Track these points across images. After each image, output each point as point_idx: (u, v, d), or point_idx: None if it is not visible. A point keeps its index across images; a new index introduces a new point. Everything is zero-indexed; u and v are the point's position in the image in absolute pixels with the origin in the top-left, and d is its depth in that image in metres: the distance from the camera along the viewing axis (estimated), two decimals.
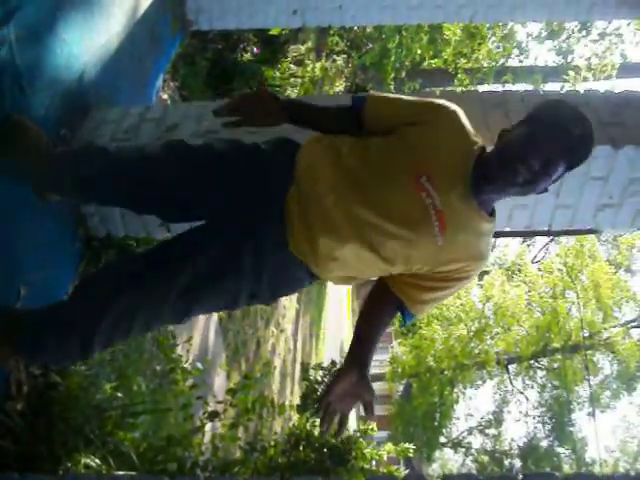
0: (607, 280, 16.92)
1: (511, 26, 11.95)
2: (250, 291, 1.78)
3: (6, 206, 2.07)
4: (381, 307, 1.81)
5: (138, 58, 3.38)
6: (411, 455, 4.75)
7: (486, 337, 17.56)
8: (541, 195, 2.41)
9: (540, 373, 20.96)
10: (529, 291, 17.71)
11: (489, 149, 1.73)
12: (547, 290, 17.76)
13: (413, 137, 1.71)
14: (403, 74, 9.90)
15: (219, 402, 3.00)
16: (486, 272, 19.44)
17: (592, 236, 15.81)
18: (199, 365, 3.02)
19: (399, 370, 18.29)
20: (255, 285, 1.76)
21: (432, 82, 12.17)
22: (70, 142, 2.42)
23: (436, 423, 18.65)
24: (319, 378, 7.00)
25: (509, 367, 20.19)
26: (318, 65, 7.66)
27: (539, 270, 19.18)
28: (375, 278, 1.87)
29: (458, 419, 23.23)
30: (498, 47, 12.29)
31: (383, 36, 8.70)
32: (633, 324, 19.30)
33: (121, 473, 2.07)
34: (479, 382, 21.70)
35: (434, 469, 24.47)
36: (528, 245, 23.34)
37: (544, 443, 21.76)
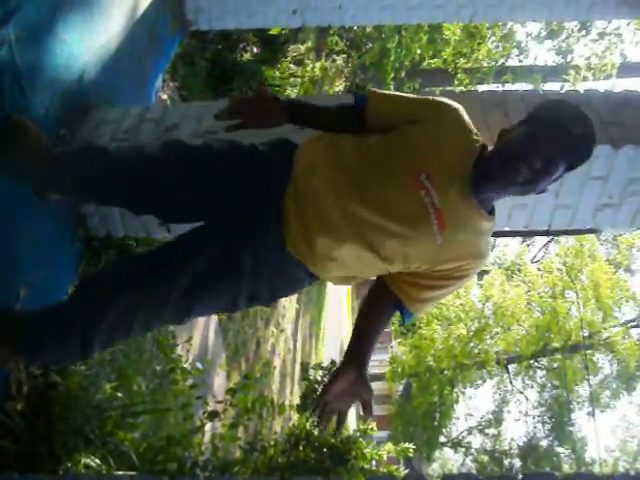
0: (607, 280, 16.92)
1: (511, 26, 11.97)
2: (249, 292, 1.78)
3: (6, 206, 2.07)
4: (380, 306, 1.80)
5: (137, 58, 3.38)
6: (411, 455, 4.75)
7: (486, 337, 17.56)
8: (541, 195, 2.41)
9: (540, 373, 20.96)
10: (529, 291, 17.72)
11: (490, 148, 1.72)
12: (547, 290, 17.76)
13: (414, 135, 1.70)
14: (403, 74, 9.90)
15: (219, 402, 3.00)
16: (486, 272, 19.44)
17: (592, 236, 15.80)
18: (199, 365, 3.03)
19: (399, 370, 18.29)
20: (254, 286, 1.76)
21: (432, 82, 12.18)
22: (70, 142, 2.42)
23: (436, 423, 18.65)
24: (319, 378, 6.99)
25: (509, 367, 20.19)
26: (318, 65, 7.67)
27: (539, 270, 19.18)
28: (374, 277, 1.87)
29: (458, 419, 23.26)
30: (498, 47, 12.30)
31: (383, 36, 8.69)
32: (633, 324, 19.31)
33: (121, 473, 2.07)
34: (479, 382, 21.70)
35: (434, 469, 24.48)
36: (528, 245, 23.35)
37: (544, 443, 21.77)
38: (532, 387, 21.69)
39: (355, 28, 9.02)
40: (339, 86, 8.86)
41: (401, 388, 21.65)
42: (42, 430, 2.00)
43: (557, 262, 18.42)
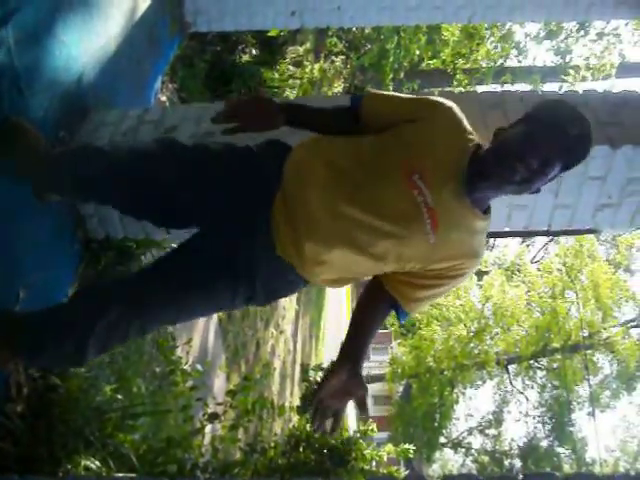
0: (606, 280, 16.92)
1: (509, 26, 11.95)
2: (246, 293, 1.79)
3: (5, 207, 2.07)
4: (375, 305, 1.80)
5: (136, 60, 3.38)
6: (411, 456, 4.74)
7: (486, 337, 17.56)
8: (540, 195, 2.42)
9: (540, 373, 20.97)
10: (528, 291, 17.71)
11: (485, 146, 1.72)
12: (546, 290, 17.76)
13: (409, 134, 1.70)
14: (402, 75, 9.89)
15: (219, 404, 3.00)
16: (486, 272, 19.46)
17: (591, 236, 15.81)
18: (199, 367, 3.03)
19: (399, 371, 18.29)
20: (251, 287, 1.77)
21: (431, 83, 12.17)
22: (69, 144, 2.42)
23: (436, 423, 18.65)
24: (319, 379, 6.99)
25: (509, 367, 20.19)
26: (317, 66, 7.66)
27: (538, 270, 19.18)
28: (369, 277, 1.87)
29: (458, 419, 23.28)
30: (496, 47, 12.28)
31: (381, 37, 8.69)
32: (632, 324, 19.32)
33: (121, 475, 2.07)
34: (479, 382, 21.71)
35: (434, 469, 24.47)
36: (527, 245, 23.38)
37: (544, 443, 21.78)
38: (532, 387, 21.70)
39: (354, 29, 9.03)
40: (338, 87, 8.86)
41: (401, 389, 21.66)
42: (42, 432, 2.00)
43: (557, 262, 18.43)
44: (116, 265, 2.72)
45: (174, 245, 2.01)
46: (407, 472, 4.22)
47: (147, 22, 3.49)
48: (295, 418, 5.04)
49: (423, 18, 4.86)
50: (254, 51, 5.60)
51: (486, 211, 1.75)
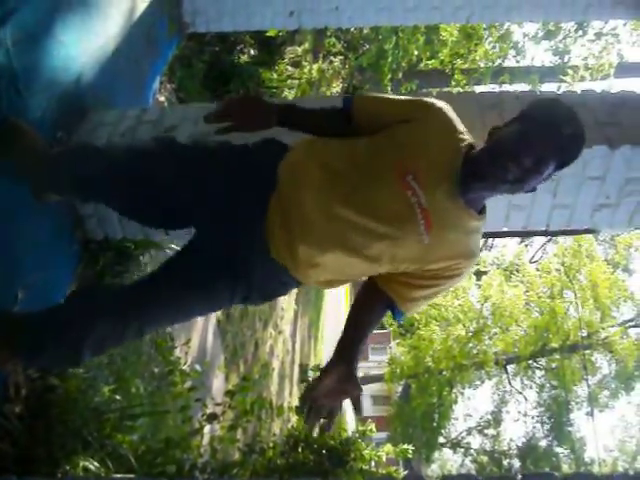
0: (605, 280, 16.95)
1: (508, 27, 11.96)
2: (242, 293, 1.80)
3: (3, 207, 2.07)
4: (371, 305, 1.80)
5: (135, 60, 3.38)
6: (410, 456, 4.75)
7: (484, 337, 17.57)
8: (538, 195, 2.43)
9: (538, 373, 21.00)
10: (527, 291, 17.73)
11: (479, 146, 1.71)
12: (545, 290, 17.77)
13: (402, 135, 1.70)
14: (400, 75, 9.89)
15: (217, 404, 3.00)
16: (484, 272, 19.48)
17: (590, 236, 15.83)
18: (197, 367, 3.03)
19: (398, 371, 18.28)
20: (247, 288, 1.78)
21: (429, 83, 12.17)
22: (67, 144, 2.42)
23: (435, 424, 18.65)
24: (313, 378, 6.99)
25: (507, 367, 20.21)
26: (315, 66, 7.66)
27: (537, 270, 19.20)
28: (364, 278, 1.87)
29: (457, 419, 23.31)
30: (495, 47, 12.28)
31: (380, 37, 8.69)
32: (631, 323, 19.34)
33: (119, 476, 2.07)
34: (478, 382, 21.73)
35: (433, 470, 24.48)
36: (526, 245, 23.40)
37: (543, 443, 21.81)
38: (531, 387, 21.73)
39: (352, 30, 9.02)
40: (336, 88, 8.86)
41: (400, 389, 21.66)
42: (40, 433, 2.00)
43: (555, 262, 18.45)
44: (115, 266, 2.72)
45: (174, 247, 2.01)
46: (406, 472, 4.22)
47: (145, 22, 3.49)
48: (294, 418, 5.04)
49: (421, 18, 4.86)
50: (252, 51, 5.60)
51: (481, 211, 1.74)
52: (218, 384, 4.60)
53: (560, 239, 18.32)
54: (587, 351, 17.61)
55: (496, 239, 20.99)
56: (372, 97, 1.87)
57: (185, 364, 3.02)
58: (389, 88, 9.39)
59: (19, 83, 2.15)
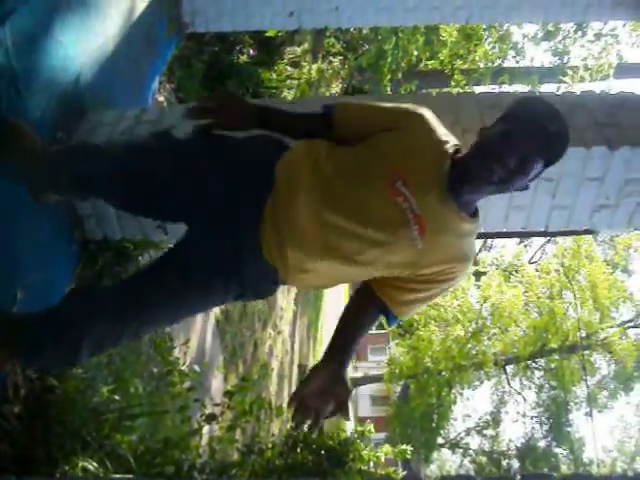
0: (604, 280, 16.95)
1: (507, 27, 11.97)
2: (236, 291, 1.80)
3: (2, 208, 2.07)
4: (364, 309, 1.80)
5: (134, 60, 3.38)
6: (409, 456, 4.75)
7: (483, 338, 17.57)
8: (537, 196, 2.43)
9: (537, 373, 21.00)
10: (526, 292, 17.73)
11: (465, 149, 1.72)
12: (544, 290, 17.78)
13: (386, 143, 1.70)
14: (399, 75, 9.89)
15: (216, 404, 3.00)
16: (483, 273, 19.48)
17: (589, 236, 15.84)
18: (196, 367, 3.03)
19: (397, 371, 18.28)
20: (241, 287, 1.78)
21: (428, 83, 12.17)
22: (66, 144, 2.42)
23: (434, 424, 18.65)
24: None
25: (506, 368, 20.21)
26: (314, 67, 7.66)
27: (536, 271, 19.20)
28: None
29: (456, 420, 23.31)
30: (494, 48, 12.29)
31: (379, 37, 8.69)
32: (630, 324, 19.34)
33: (118, 476, 2.07)
34: (477, 383, 21.72)
35: (432, 470, 24.48)
36: (525, 246, 23.41)
37: (542, 443, 21.81)
38: (530, 388, 21.73)
39: (352, 30, 9.02)
40: (336, 88, 8.86)
41: (399, 389, 21.65)
42: (39, 433, 2.00)
43: (554, 263, 18.45)
44: (113, 266, 2.71)
45: (170, 246, 2.00)
46: (405, 473, 4.22)
47: (145, 22, 3.49)
48: None
49: (421, 19, 4.86)
50: (252, 51, 5.60)
51: (474, 214, 1.74)
52: (217, 384, 4.60)
53: (559, 240, 18.33)
54: (586, 352, 17.61)
55: (495, 239, 21.01)
56: (354, 106, 1.87)
57: (184, 364, 3.01)
58: (388, 88, 9.39)
59: (19, 83, 2.15)
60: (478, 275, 19.34)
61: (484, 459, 23.37)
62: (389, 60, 8.90)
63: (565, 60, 13.20)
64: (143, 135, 2.00)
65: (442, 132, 1.74)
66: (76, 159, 1.99)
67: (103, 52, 2.90)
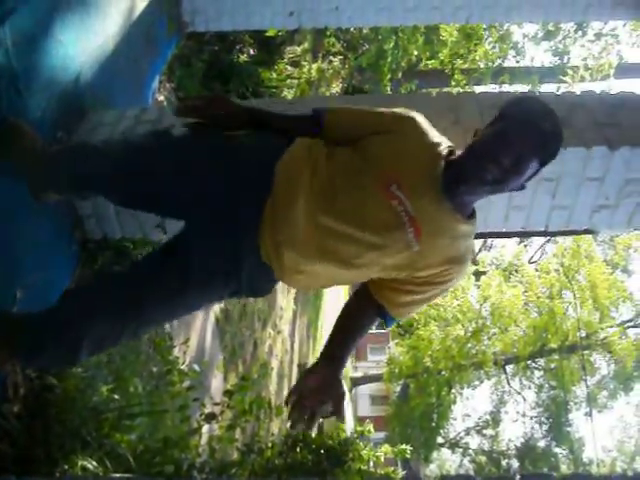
0: (604, 280, 16.96)
1: (507, 27, 11.97)
2: (233, 288, 1.81)
3: (2, 207, 2.07)
4: (362, 310, 1.80)
5: (134, 60, 3.37)
6: (408, 456, 4.75)
7: (483, 337, 17.58)
8: (537, 196, 2.43)
9: (537, 373, 21.02)
10: (526, 291, 17.74)
11: (459, 150, 1.72)
12: (544, 290, 17.79)
13: (378, 147, 1.71)
14: (400, 75, 9.89)
15: (216, 404, 3.00)
16: (483, 273, 19.48)
17: (589, 236, 15.83)
18: (196, 367, 3.02)
19: (396, 371, 18.31)
20: (237, 284, 1.79)
21: (429, 83, 12.18)
22: (66, 143, 2.42)
23: (433, 424, 18.67)
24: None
25: (506, 367, 20.22)
26: (314, 66, 7.66)
27: (536, 270, 19.21)
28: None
29: (455, 420, 23.33)
30: (494, 48, 12.29)
31: (379, 37, 8.68)
32: (630, 324, 19.35)
33: (118, 475, 2.06)
34: (476, 382, 21.73)
35: (432, 470, 24.47)
36: (525, 245, 23.40)
37: (541, 443, 21.83)
38: (529, 388, 21.75)
39: (352, 30, 9.02)
40: (336, 87, 8.86)
41: (398, 389, 21.66)
42: (39, 433, 2.00)
43: (554, 263, 18.46)
44: (113, 265, 2.71)
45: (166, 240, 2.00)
46: (404, 472, 4.22)
47: (145, 21, 3.48)
48: None
49: (421, 18, 4.86)
50: (252, 51, 5.60)
51: (471, 215, 1.74)
52: (217, 384, 4.60)
53: (559, 239, 18.33)
54: (586, 351, 17.63)
55: (495, 239, 21.00)
56: (344, 110, 1.87)
57: (184, 364, 3.01)
58: (389, 88, 9.39)
59: (19, 83, 2.15)
60: (478, 275, 19.34)
61: (484, 459, 23.39)
62: (389, 60, 8.90)
63: (565, 60, 13.19)
64: (143, 134, 2.00)
65: (434, 134, 1.75)
66: (76, 159, 1.99)
67: (103, 51, 2.90)
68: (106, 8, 2.96)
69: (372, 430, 4.47)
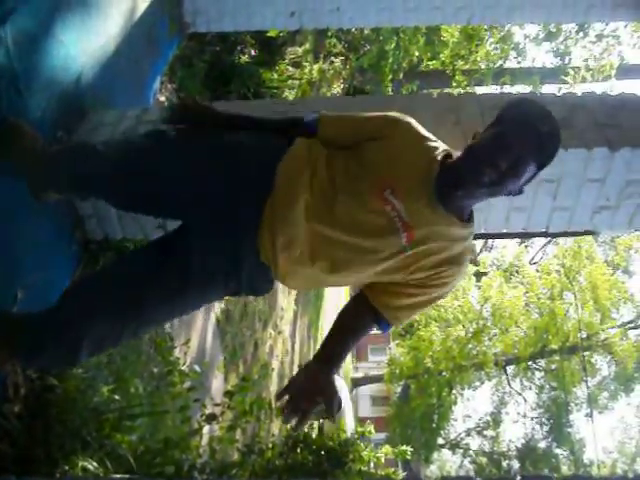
0: (605, 281, 16.96)
1: (509, 28, 11.96)
2: (232, 289, 1.81)
3: (3, 207, 2.07)
4: (361, 315, 1.80)
5: (135, 60, 3.37)
6: (409, 457, 4.76)
7: (484, 338, 17.58)
8: (538, 197, 2.42)
9: (538, 374, 21.01)
10: (527, 292, 17.74)
11: (456, 154, 1.72)
12: (545, 291, 17.78)
13: (372, 152, 1.71)
14: (401, 76, 9.89)
15: (217, 404, 3.00)
16: (484, 273, 19.48)
17: (590, 237, 15.83)
18: (196, 367, 3.03)
19: (397, 371, 18.31)
20: (237, 284, 1.80)
21: (430, 84, 12.17)
22: (66, 143, 2.42)
23: (434, 424, 18.67)
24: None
25: (507, 368, 20.22)
26: (316, 67, 7.65)
27: (537, 271, 19.21)
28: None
29: (456, 420, 23.32)
30: (496, 49, 12.28)
31: (381, 38, 8.68)
32: (631, 325, 19.35)
33: (118, 476, 2.07)
34: (477, 383, 21.74)
35: (432, 471, 24.47)
36: (526, 246, 23.39)
37: (542, 444, 21.82)
38: (530, 389, 21.74)
39: (353, 30, 9.02)
40: (337, 88, 8.86)
41: (399, 390, 21.67)
42: (39, 433, 2.00)
43: (555, 264, 18.46)
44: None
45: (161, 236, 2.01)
46: (405, 473, 4.23)
47: (146, 22, 3.48)
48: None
49: (422, 19, 4.86)
50: (253, 52, 5.60)
51: (469, 218, 1.74)
52: (217, 384, 4.60)
53: (560, 240, 18.34)
54: (587, 352, 17.63)
55: (496, 240, 21.00)
56: (338, 117, 1.87)
57: (184, 364, 3.01)
58: (390, 89, 9.39)
59: (19, 83, 2.15)
60: (479, 276, 19.34)
61: (484, 460, 23.37)
62: (390, 60, 8.90)
63: (566, 61, 13.20)
64: (143, 134, 2.00)
65: (429, 138, 1.75)
66: (76, 159, 1.99)
67: (104, 52, 2.90)
68: (107, 9, 2.96)
69: (373, 431, 4.48)
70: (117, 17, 3.09)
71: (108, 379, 2.58)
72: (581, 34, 12.85)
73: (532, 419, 22.14)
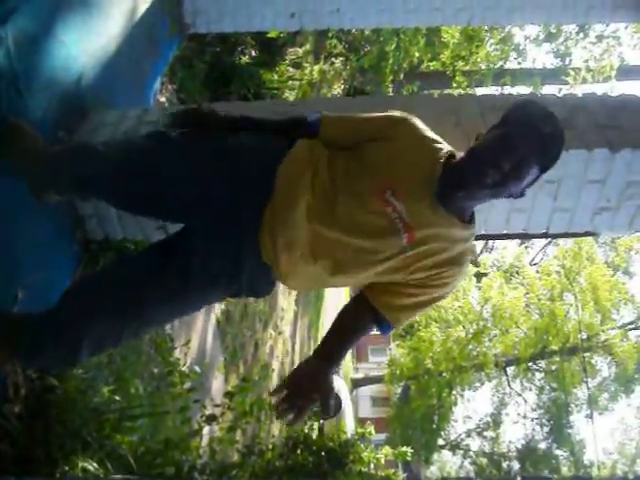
0: (605, 282, 16.96)
1: (509, 29, 11.96)
2: (233, 290, 1.82)
3: (3, 207, 2.07)
4: (361, 316, 1.80)
5: (136, 60, 3.37)
6: (409, 458, 4.76)
7: (484, 339, 17.59)
8: (538, 198, 2.42)
9: (538, 375, 21.00)
10: (527, 293, 17.74)
11: (459, 155, 1.72)
12: (545, 292, 17.78)
13: (374, 153, 1.71)
14: (401, 77, 9.90)
15: (217, 405, 3.00)
16: (484, 274, 19.48)
17: (590, 238, 15.83)
18: (197, 368, 3.03)
19: (397, 372, 18.31)
20: (238, 286, 1.80)
21: (430, 85, 12.18)
22: (67, 144, 2.42)
23: (434, 425, 18.67)
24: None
25: (507, 369, 20.21)
26: (316, 68, 7.65)
27: (537, 272, 19.20)
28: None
29: (456, 421, 23.29)
30: (496, 50, 12.29)
31: (381, 39, 8.69)
32: (631, 326, 19.34)
33: (118, 477, 2.07)
34: (477, 384, 21.73)
35: (432, 471, 24.47)
36: (526, 247, 23.39)
37: (542, 445, 21.81)
38: (530, 390, 21.73)
39: (353, 31, 9.02)
40: (337, 89, 8.86)
41: (399, 391, 21.66)
42: (39, 433, 2.00)
43: (555, 265, 18.46)
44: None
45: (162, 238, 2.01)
46: (405, 474, 4.23)
47: (146, 22, 3.48)
48: None
49: (422, 20, 4.85)
50: (253, 52, 5.60)
51: (471, 219, 1.74)
52: (217, 385, 4.60)
53: (560, 241, 18.34)
54: (587, 354, 17.63)
55: (496, 241, 21.00)
56: (339, 118, 1.87)
57: (184, 365, 3.01)
58: (390, 90, 9.39)
59: (20, 83, 2.15)
60: (479, 276, 19.34)
61: (484, 461, 23.36)
62: (391, 61, 8.91)
63: (567, 62, 13.21)
64: (145, 135, 2.00)
65: (432, 138, 1.75)
66: (77, 160, 1.99)
67: (105, 52, 2.90)
68: (108, 9, 2.97)
69: (373, 432, 4.48)
70: (118, 17, 3.09)
71: (108, 379, 2.57)
72: (581, 35, 12.87)
73: (532, 420, 22.15)
